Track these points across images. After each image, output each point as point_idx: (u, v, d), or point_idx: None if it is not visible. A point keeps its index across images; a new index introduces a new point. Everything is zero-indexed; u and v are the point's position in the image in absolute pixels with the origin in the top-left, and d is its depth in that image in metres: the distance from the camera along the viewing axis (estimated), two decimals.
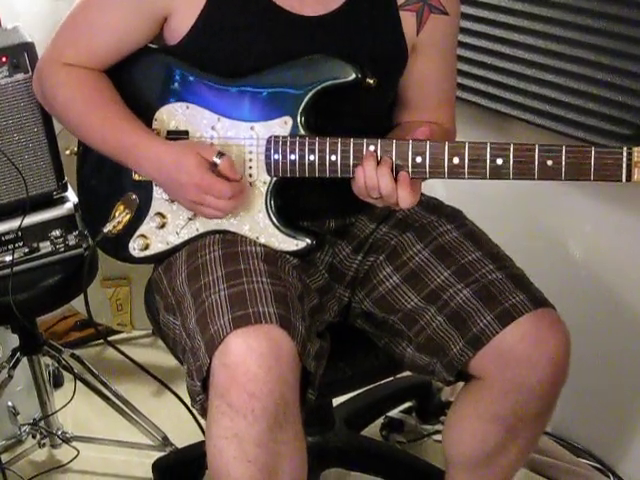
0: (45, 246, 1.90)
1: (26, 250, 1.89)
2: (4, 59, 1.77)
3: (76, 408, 2.20)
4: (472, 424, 1.57)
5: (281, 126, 1.51)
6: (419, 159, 1.43)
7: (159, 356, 2.43)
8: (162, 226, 1.61)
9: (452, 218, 1.64)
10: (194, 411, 1.48)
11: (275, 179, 1.53)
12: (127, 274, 2.45)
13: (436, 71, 1.65)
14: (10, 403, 2.21)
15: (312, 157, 1.48)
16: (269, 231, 1.54)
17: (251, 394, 1.30)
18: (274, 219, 1.54)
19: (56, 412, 2.18)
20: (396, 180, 1.43)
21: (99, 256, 1.97)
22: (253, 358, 1.31)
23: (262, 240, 1.54)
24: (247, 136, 1.53)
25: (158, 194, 1.60)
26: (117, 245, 1.65)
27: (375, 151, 1.44)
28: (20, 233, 1.86)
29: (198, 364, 1.38)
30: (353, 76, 1.48)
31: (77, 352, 2.20)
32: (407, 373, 1.76)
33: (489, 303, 1.48)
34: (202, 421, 1.44)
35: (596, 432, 2.14)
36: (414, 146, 1.43)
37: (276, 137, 1.50)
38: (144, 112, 1.57)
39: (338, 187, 1.51)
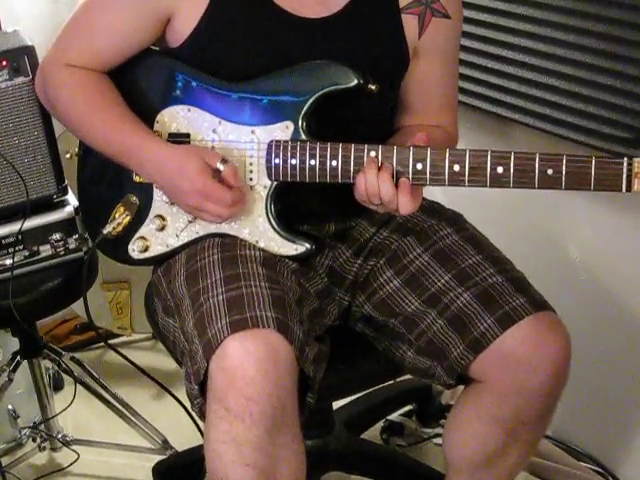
0: (45, 249, 1.90)
1: (26, 253, 1.89)
2: (4, 63, 1.77)
3: (76, 411, 2.20)
4: (472, 427, 1.57)
5: (282, 130, 1.51)
6: (420, 166, 1.43)
7: (159, 359, 2.43)
8: (162, 228, 1.61)
9: (452, 222, 1.64)
10: (194, 414, 1.48)
11: (275, 183, 1.53)
12: (127, 277, 2.45)
13: (438, 75, 1.65)
14: (10, 406, 2.21)
15: (313, 162, 1.48)
16: (269, 235, 1.54)
17: (248, 398, 1.30)
18: (274, 223, 1.54)
19: (56, 415, 2.18)
20: (397, 186, 1.43)
21: (99, 259, 1.97)
22: (250, 362, 1.30)
23: (261, 244, 1.54)
24: (248, 140, 1.53)
25: (158, 196, 1.60)
26: (117, 247, 1.65)
27: (376, 157, 1.44)
28: (20, 236, 1.86)
29: (196, 367, 1.38)
30: (355, 82, 1.48)
31: (77, 355, 2.20)
32: (407, 376, 1.76)
33: (489, 306, 1.48)
34: (202, 424, 1.43)
35: (596, 435, 2.14)
36: (415, 153, 1.43)
37: (277, 141, 1.50)
38: (146, 114, 1.57)
39: (338, 191, 1.51)
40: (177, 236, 1.60)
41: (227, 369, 1.31)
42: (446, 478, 1.68)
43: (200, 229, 1.57)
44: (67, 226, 1.90)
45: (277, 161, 1.51)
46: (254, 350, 1.31)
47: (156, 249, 1.62)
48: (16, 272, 1.85)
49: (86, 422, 2.31)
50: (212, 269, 1.47)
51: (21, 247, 1.87)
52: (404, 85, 1.64)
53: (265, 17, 1.51)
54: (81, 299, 1.71)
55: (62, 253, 1.92)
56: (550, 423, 1.57)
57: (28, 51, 1.79)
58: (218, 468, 1.35)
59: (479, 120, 2.13)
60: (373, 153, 1.45)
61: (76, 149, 1.72)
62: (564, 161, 1.37)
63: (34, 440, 2.21)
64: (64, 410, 2.16)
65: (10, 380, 2.09)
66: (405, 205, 1.43)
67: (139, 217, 1.62)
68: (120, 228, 1.62)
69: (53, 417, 2.18)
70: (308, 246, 1.54)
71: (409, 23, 1.57)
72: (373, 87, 1.49)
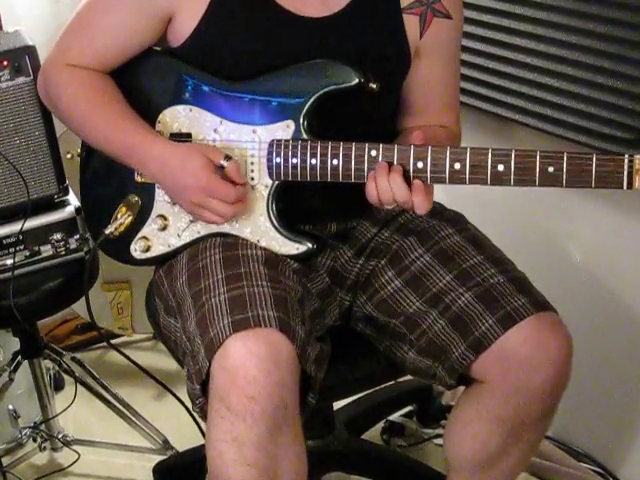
0: (46, 249, 1.90)
1: (27, 253, 1.89)
2: (5, 62, 1.77)
3: (77, 411, 2.20)
4: (474, 427, 1.56)
5: (283, 130, 1.51)
6: (420, 164, 1.43)
7: (160, 359, 2.43)
8: (164, 228, 1.61)
9: (454, 222, 1.64)
10: (195, 414, 1.48)
11: (277, 183, 1.53)
12: (128, 278, 2.45)
13: (440, 75, 1.65)
14: (11, 406, 2.21)
15: (314, 161, 1.48)
16: (270, 234, 1.54)
17: (250, 397, 1.30)
18: (275, 222, 1.54)
19: (57, 415, 2.18)
20: (410, 186, 1.43)
21: (100, 259, 1.97)
22: (252, 362, 1.30)
23: (263, 243, 1.54)
24: (249, 139, 1.53)
25: (160, 196, 1.60)
26: (119, 247, 1.65)
27: (377, 156, 1.44)
28: (21, 236, 1.86)
29: (197, 367, 1.38)
30: (356, 81, 1.48)
31: (78, 355, 2.21)
32: (408, 377, 1.76)
33: (491, 307, 1.48)
34: (203, 424, 1.43)
35: (597, 436, 2.14)
36: (416, 151, 1.43)
37: (278, 141, 1.51)
38: (148, 114, 1.57)
39: (340, 191, 1.51)
40: (179, 236, 1.60)
41: (229, 369, 1.31)
42: (447, 479, 1.68)
43: (202, 229, 1.57)
44: (68, 226, 1.90)
45: (278, 160, 1.51)
46: (256, 350, 1.31)
47: (158, 249, 1.62)
48: (17, 272, 1.85)
49: (87, 422, 2.31)
50: (214, 269, 1.47)
51: (22, 247, 1.87)
52: (406, 85, 1.64)
53: (266, 16, 1.52)
54: (82, 299, 1.71)
55: (63, 253, 1.92)
56: (551, 423, 1.57)
57: (29, 51, 1.79)
58: (219, 467, 1.35)
59: (480, 120, 2.13)
60: (374, 152, 1.45)
61: (77, 150, 1.72)
62: (565, 158, 1.37)
63: (35, 440, 2.21)
64: (65, 410, 2.17)
65: (11, 380, 2.09)
66: (421, 205, 1.43)
67: (141, 217, 1.62)
68: (122, 228, 1.62)
69: (54, 417, 2.18)
70: (310, 245, 1.54)
71: (410, 23, 1.57)
72: (374, 86, 1.49)
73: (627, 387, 2.04)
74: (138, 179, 1.61)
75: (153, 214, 1.61)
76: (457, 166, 1.42)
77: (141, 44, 1.56)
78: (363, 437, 2.16)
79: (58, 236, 1.90)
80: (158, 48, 1.59)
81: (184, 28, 1.52)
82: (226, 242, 1.53)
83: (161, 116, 1.57)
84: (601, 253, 2.03)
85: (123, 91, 1.59)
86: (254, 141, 1.53)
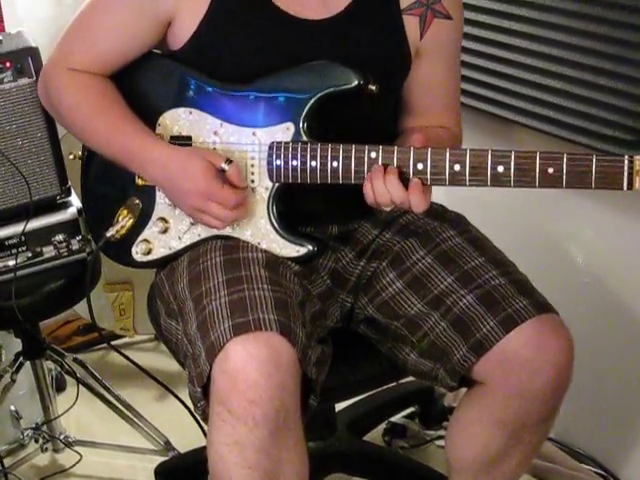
0: (48, 251, 1.91)
1: (29, 254, 1.89)
2: (8, 64, 1.78)
3: (79, 412, 2.20)
4: (475, 429, 1.57)
5: (283, 132, 1.51)
6: (420, 166, 1.43)
7: (162, 361, 2.42)
8: (165, 231, 1.61)
9: (455, 224, 1.64)
10: (197, 416, 1.48)
11: (277, 185, 1.53)
12: (130, 279, 2.45)
13: (440, 76, 1.65)
14: (13, 407, 2.21)
15: (314, 163, 1.48)
16: (271, 237, 1.54)
17: (251, 401, 1.30)
18: (276, 225, 1.54)
19: (59, 416, 2.18)
20: (407, 186, 1.43)
21: (102, 261, 1.97)
22: (253, 365, 1.30)
23: (264, 246, 1.54)
24: (249, 142, 1.53)
25: (161, 199, 1.60)
26: (120, 249, 1.65)
27: (377, 158, 1.44)
28: (23, 237, 1.86)
29: (199, 370, 1.38)
30: (355, 82, 1.48)
31: (80, 356, 2.21)
32: (410, 378, 1.76)
33: (492, 309, 1.48)
34: (205, 426, 1.43)
35: (598, 438, 2.14)
36: (415, 153, 1.43)
37: (278, 143, 1.51)
38: (148, 117, 1.57)
39: (341, 193, 1.50)
40: (180, 238, 1.60)
41: (230, 372, 1.31)
42: None
43: (202, 231, 1.57)
44: (70, 227, 1.91)
45: (278, 162, 1.51)
46: (257, 353, 1.31)
47: (159, 252, 1.62)
48: (19, 273, 1.86)
49: (88, 423, 2.31)
50: (214, 272, 1.47)
51: (24, 248, 1.88)
52: (406, 86, 1.64)
53: (266, 19, 1.52)
54: (84, 300, 1.71)
55: (65, 254, 1.92)
56: (553, 425, 1.57)
57: (32, 52, 1.80)
58: (221, 470, 1.35)
59: (480, 122, 2.13)
60: (374, 154, 1.45)
61: (79, 152, 1.72)
62: (565, 159, 1.37)
63: (36, 441, 2.21)
64: (67, 411, 2.17)
65: (13, 381, 2.09)
66: (418, 204, 1.43)
67: (142, 220, 1.62)
68: (123, 231, 1.62)
69: (56, 418, 2.18)
70: (310, 247, 1.54)
71: (410, 24, 1.57)
72: (373, 87, 1.49)
73: (629, 389, 2.04)
74: (139, 182, 1.61)
75: (154, 217, 1.61)
76: (457, 167, 1.42)
77: (141, 47, 1.56)
78: (365, 439, 2.16)
79: (60, 237, 1.91)
80: (158, 51, 1.59)
81: (184, 31, 1.52)
82: (227, 245, 1.53)
83: (161, 119, 1.57)
84: (602, 254, 2.02)
85: (123, 94, 1.59)
86: (254, 143, 1.53)
